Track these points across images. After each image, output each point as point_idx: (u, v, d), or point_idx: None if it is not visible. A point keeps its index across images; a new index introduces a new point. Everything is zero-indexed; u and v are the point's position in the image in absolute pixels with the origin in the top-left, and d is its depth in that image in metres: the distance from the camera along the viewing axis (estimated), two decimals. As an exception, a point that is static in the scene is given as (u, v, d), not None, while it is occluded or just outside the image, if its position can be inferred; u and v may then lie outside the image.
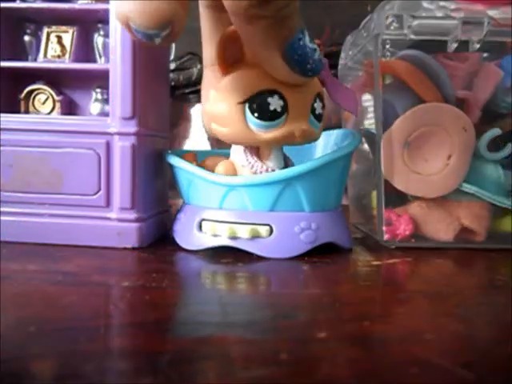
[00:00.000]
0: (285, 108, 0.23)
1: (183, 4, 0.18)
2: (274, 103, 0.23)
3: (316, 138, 0.26)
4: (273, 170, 0.26)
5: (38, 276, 0.21)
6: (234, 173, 0.27)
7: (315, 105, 0.25)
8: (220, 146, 0.30)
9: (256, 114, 0.23)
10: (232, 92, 0.24)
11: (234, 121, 0.24)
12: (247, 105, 0.23)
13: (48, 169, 0.27)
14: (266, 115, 0.23)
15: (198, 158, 0.30)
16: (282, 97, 0.23)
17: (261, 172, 0.26)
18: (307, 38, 0.21)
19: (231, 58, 0.23)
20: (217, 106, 0.24)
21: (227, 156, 0.28)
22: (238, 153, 0.27)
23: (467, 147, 0.29)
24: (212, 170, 0.27)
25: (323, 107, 0.26)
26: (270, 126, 0.24)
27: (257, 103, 0.23)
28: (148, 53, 0.28)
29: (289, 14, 0.19)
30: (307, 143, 0.26)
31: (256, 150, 0.26)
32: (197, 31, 0.25)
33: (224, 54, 0.23)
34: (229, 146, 0.28)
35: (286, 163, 0.27)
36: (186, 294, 0.21)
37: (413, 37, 0.29)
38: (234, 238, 0.26)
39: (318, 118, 0.25)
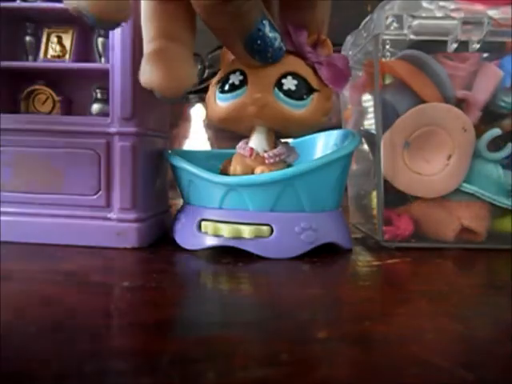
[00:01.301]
0: (243, 81, 0.25)
1: (195, 67, 0.22)
2: (233, 77, 0.25)
3: (296, 117, 0.25)
4: (257, 153, 0.26)
5: (38, 276, 0.21)
6: (249, 170, 0.27)
7: (283, 80, 0.25)
8: (220, 146, 0.30)
9: (219, 89, 0.26)
10: (217, 77, 0.27)
11: (209, 99, 0.27)
12: (217, 85, 0.26)
13: (48, 169, 0.27)
14: (226, 87, 0.25)
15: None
16: (242, 72, 0.25)
17: (242, 154, 0.27)
18: (267, 28, 0.22)
19: (229, 58, 0.26)
20: (208, 94, 0.27)
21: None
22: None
23: (467, 147, 0.29)
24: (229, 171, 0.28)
25: (301, 86, 0.25)
26: (229, 98, 0.25)
27: (222, 81, 0.26)
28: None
29: (249, 8, 0.21)
30: (283, 122, 0.25)
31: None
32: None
33: (224, 56, 0.27)
34: (229, 147, 0.28)
35: (289, 153, 0.27)
36: (186, 294, 0.20)
37: (413, 37, 0.29)
38: (234, 238, 0.26)
39: (289, 93, 0.25)
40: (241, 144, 0.27)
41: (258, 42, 0.22)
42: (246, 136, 0.27)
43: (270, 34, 0.22)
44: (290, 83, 0.25)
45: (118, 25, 0.20)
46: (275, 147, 0.27)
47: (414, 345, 0.15)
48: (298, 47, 0.25)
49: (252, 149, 0.26)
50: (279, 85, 0.25)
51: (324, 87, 0.25)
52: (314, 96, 0.25)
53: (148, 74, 0.21)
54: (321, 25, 0.25)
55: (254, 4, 0.21)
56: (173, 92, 0.21)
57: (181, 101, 0.22)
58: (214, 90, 0.26)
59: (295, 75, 0.25)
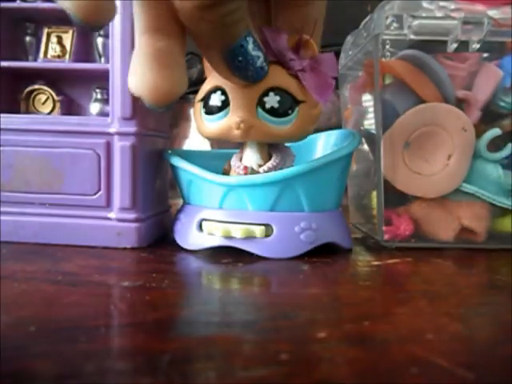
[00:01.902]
0: (225, 103, 0.24)
1: (185, 73, 0.20)
2: (215, 98, 0.25)
3: (282, 134, 0.25)
4: (252, 169, 0.26)
5: (38, 276, 0.21)
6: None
7: (265, 99, 0.24)
8: (220, 146, 0.30)
9: (204, 110, 0.25)
10: (199, 92, 0.26)
11: (197, 117, 0.26)
12: (202, 102, 0.26)
13: (48, 169, 0.27)
14: (209, 109, 0.25)
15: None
16: (223, 92, 0.24)
17: (238, 173, 0.26)
18: (251, 46, 0.21)
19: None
20: (194, 109, 0.27)
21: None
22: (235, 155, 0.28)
23: (467, 147, 0.29)
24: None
25: (284, 101, 0.24)
26: (213, 119, 0.25)
27: (205, 100, 0.25)
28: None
29: (233, 21, 0.19)
30: (270, 140, 0.26)
31: (242, 151, 0.27)
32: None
33: (206, 64, 0.25)
34: (229, 147, 0.28)
35: (277, 162, 0.26)
36: (185, 294, 0.21)
37: (413, 37, 0.29)
38: (233, 238, 0.26)
39: (273, 112, 0.24)
40: (234, 162, 0.27)
41: (239, 58, 0.21)
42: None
43: (253, 52, 0.21)
44: (272, 101, 0.24)
45: (103, 25, 0.19)
46: (269, 157, 0.26)
47: (414, 345, 0.15)
48: (278, 55, 0.24)
49: (246, 167, 0.26)
50: (261, 103, 0.24)
51: (309, 95, 0.24)
52: (300, 108, 0.24)
53: (133, 79, 0.20)
54: (312, 25, 0.24)
55: (240, 17, 0.20)
56: (162, 102, 0.20)
57: (169, 109, 0.21)
58: (199, 107, 0.26)
59: (277, 90, 0.24)
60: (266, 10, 0.25)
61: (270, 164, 0.26)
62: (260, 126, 0.24)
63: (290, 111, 0.24)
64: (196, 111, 0.26)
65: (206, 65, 0.26)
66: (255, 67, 0.22)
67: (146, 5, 0.21)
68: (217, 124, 0.25)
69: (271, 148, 0.27)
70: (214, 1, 0.18)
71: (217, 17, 0.19)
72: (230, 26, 0.20)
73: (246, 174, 0.26)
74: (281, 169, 0.26)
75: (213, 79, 0.25)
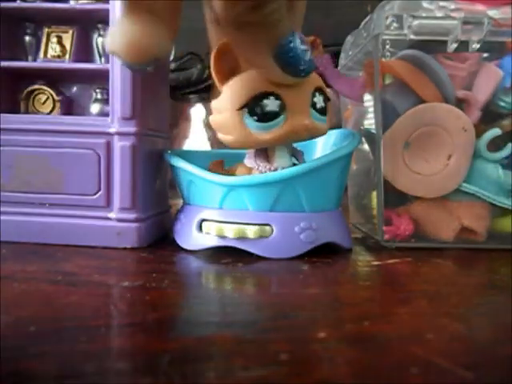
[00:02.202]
0: (282, 107, 0.24)
1: (170, 34, 0.20)
2: (271, 104, 0.24)
3: (323, 132, 0.26)
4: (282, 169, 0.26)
5: (38, 276, 0.21)
6: None
7: (315, 99, 0.25)
8: (220, 147, 0.30)
9: (255, 118, 0.24)
10: (230, 100, 0.24)
11: (236, 128, 0.24)
12: (246, 110, 0.24)
13: (48, 169, 0.27)
14: (265, 117, 0.24)
15: (224, 165, 0.30)
16: (278, 97, 0.24)
17: (263, 170, 0.26)
18: (298, 40, 0.21)
19: (227, 70, 0.24)
20: (219, 117, 0.25)
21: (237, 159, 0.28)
22: (249, 157, 0.27)
23: (467, 147, 0.29)
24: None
25: (326, 100, 0.25)
26: (269, 126, 0.24)
27: (254, 107, 0.24)
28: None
29: (277, 19, 0.20)
30: (315, 137, 0.26)
31: (264, 152, 0.26)
32: (197, 31, 0.25)
33: (219, 66, 0.24)
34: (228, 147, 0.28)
35: (298, 160, 0.27)
36: (186, 294, 0.21)
37: (413, 37, 0.29)
38: (233, 238, 0.26)
39: (321, 111, 0.25)
40: (259, 162, 0.26)
41: (290, 54, 0.21)
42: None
43: (302, 46, 0.21)
44: (320, 100, 0.25)
45: (157, 62, 0.19)
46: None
47: (414, 345, 0.15)
48: None
49: (276, 169, 0.26)
50: (313, 104, 0.24)
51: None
52: (328, 104, 0.26)
53: (115, 42, 0.20)
54: (301, 21, 0.24)
55: (282, 16, 0.20)
56: (139, 58, 0.19)
57: (145, 69, 0.21)
58: (239, 117, 0.24)
59: (320, 90, 0.25)
60: None
61: (299, 162, 0.27)
62: (318, 127, 0.25)
63: (327, 110, 0.26)
64: (235, 121, 0.24)
65: (219, 69, 0.24)
66: (305, 60, 0.22)
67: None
68: (276, 130, 0.24)
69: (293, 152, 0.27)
70: (256, 2, 0.18)
71: (262, 17, 0.19)
72: (276, 24, 0.20)
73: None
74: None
75: (250, 85, 0.24)
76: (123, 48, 0.19)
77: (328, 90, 0.26)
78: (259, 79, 0.23)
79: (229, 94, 0.24)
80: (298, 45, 0.21)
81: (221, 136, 0.26)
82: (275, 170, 0.26)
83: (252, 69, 0.23)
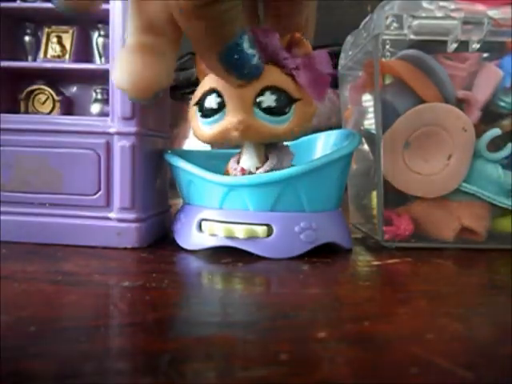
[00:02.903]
0: (222, 104, 0.24)
1: (175, 46, 0.21)
2: (211, 101, 0.24)
3: (279, 133, 0.25)
4: (250, 172, 0.26)
5: (38, 276, 0.21)
6: None
7: (261, 98, 0.24)
8: (220, 147, 0.30)
9: (200, 113, 0.25)
10: (194, 96, 0.26)
11: (193, 121, 0.26)
12: (197, 106, 0.25)
13: (48, 169, 0.27)
14: (205, 112, 0.25)
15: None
16: (219, 94, 0.24)
17: (235, 175, 0.26)
18: (246, 44, 0.21)
19: (204, 69, 0.25)
20: (190, 113, 0.27)
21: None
22: (231, 159, 0.28)
23: (467, 147, 0.29)
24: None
25: (281, 100, 0.24)
26: (211, 122, 0.25)
27: (201, 103, 0.25)
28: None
29: (229, 19, 0.20)
30: (272, 140, 0.26)
31: (239, 154, 0.27)
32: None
33: (199, 67, 0.26)
34: (230, 146, 0.28)
35: (281, 161, 0.26)
36: (186, 294, 0.21)
37: (413, 37, 0.29)
38: (233, 238, 0.26)
39: (270, 111, 0.24)
40: (231, 164, 0.27)
41: (235, 56, 0.21)
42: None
43: (249, 51, 0.21)
44: (268, 100, 0.24)
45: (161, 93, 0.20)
46: (266, 159, 0.26)
47: (414, 345, 0.15)
48: (271, 54, 0.24)
49: (243, 169, 0.26)
50: (258, 103, 0.24)
51: (305, 93, 0.24)
52: (296, 106, 0.24)
53: (117, 73, 0.20)
54: (303, 22, 0.24)
55: (235, 16, 0.20)
56: (145, 93, 0.20)
57: (153, 101, 0.21)
58: (194, 111, 0.26)
59: (273, 89, 0.24)
60: (252, 10, 0.25)
61: (266, 167, 0.26)
62: (258, 126, 0.24)
63: (286, 110, 0.24)
64: (192, 116, 0.26)
65: (199, 68, 0.26)
66: (251, 65, 0.22)
67: (139, 6, 0.21)
68: (214, 127, 0.25)
69: (268, 149, 0.27)
70: None
71: (214, 15, 0.19)
72: (226, 25, 0.20)
73: (243, 175, 0.26)
74: (278, 170, 0.26)
75: (206, 82, 0.25)
76: (130, 86, 0.20)
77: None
78: (211, 78, 0.24)
79: (196, 91, 0.26)
80: (246, 48, 0.21)
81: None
82: (243, 172, 0.26)
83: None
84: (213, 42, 0.20)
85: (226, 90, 0.24)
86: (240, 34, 0.20)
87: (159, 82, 0.20)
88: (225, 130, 0.24)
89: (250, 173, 0.26)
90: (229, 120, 0.24)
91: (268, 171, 0.26)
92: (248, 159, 0.26)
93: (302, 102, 0.25)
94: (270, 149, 0.27)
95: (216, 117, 0.24)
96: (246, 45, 0.21)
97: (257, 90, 0.24)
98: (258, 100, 0.24)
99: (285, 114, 0.24)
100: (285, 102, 0.24)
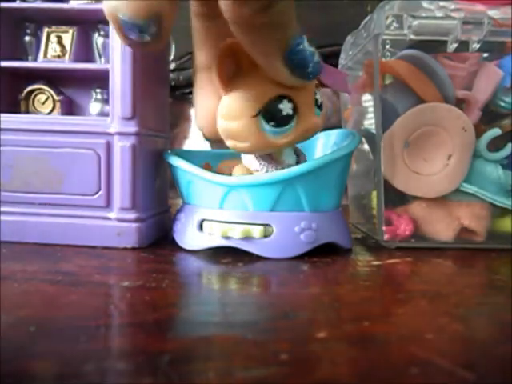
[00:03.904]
0: (295, 109, 0.24)
1: (171, 3, 0.19)
2: (286, 107, 0.23)
3: (322, 125, 0.26)
4: (289, 165, 0.26)
5: (38, 276, 0.21)
6: None
7: (317, 96, 0.25)
8: (220, 146, 0.30)
9: (272, 123, 0.23)
10: (243, 107, 0.23)
11: (252, 134, 0.24)
12: (261, 116, 0.23)
13: (48, 169, 0.27)
14: (282, 121, 0.24)
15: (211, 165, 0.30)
16: (290, 100, 0.23)
17: (270, 170, 0.26)
18: (306, 43, 0.21)
19: (231, 73, 0.23)
20: (232, 124, 0.24)
21: (236, 158, 0.28)
22: (249, 159, 0.27)
23: (467, 147, 0.29)
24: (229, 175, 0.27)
25: (320, 95, 0.26)
26: (285, 130, 0.24)
27: (270, 112, 0.23)
28: (148, 53, 0.28)
29: (287, 20, 0.19)
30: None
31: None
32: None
33: (222, 71, 0.23)
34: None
35: (298, 157, 0.27)
36: (186, 294, 0.21)
37: (413, 37, 0.29)
38: (233, 238, 0.26)
39: (321, 107, 0.26)
40: (257, 163, 0.26)
41: (299, 56, 0.21)
42: None
43: (310, 49, 0.21)
44: (319, 97, 0.25)
45: (158, 21, 0.18)
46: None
47: (414, 345, 0.15)
48: None
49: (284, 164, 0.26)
50: (315, 101, 0.25)
51: None
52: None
53: None
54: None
55: (291, 17, 0.20)
56: (144, 11, 0.18)
57: (147, 38, 0.19)
58: (256, 123, 0.23)
59: (317, 88, 0.25)
60: None
61: (302, 159, 0.27)
62: (320, 123, 0.25)
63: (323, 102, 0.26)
64: (251, 128, 0.23)
65: (217, 87, 0.24)
66: (314, 63, 0.22)
67: None
68: (293, 132, 0.24)
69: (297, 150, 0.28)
70: (265, 2, 0.18)
71: (270, 18, 0.19)
72: (286, 25, 0.20)
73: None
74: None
75: (262, 89, 0.23)
76: (122, 1, 0.18)
77: (328, 90, 0.26)
78: (268, 83, 0.23)
79: (240, 101, 0.23)
80: (307, 47, 0.21)
81: (233, 143, 0.25)
82: (282, 168, 0.26)
83: (257, 71, 0.23)
84: (275, 46, 0.20)
85: (294, 94, 0.23)
86: (299, 34, 0.21)
87: (160, 2, 0.18)
88: (305, 132, 0.24)
89: (289, 166, 0.26)
90: (309, 124, 0.24)
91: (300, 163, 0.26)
92: (289, 157, 0.27)
93: None
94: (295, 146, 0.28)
95: (291, 123, 0.24)
96: (306, 43, 0.21)
97: (313, 89, 0.25)
98: (316, 98, 0.25)
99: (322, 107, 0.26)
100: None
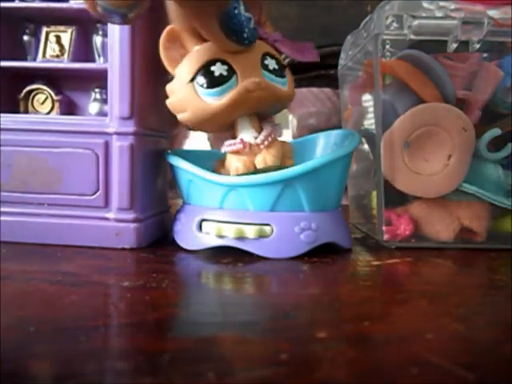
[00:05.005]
0: (231, 70, 0.24)
1: None
2: (218, 69, 0.24)
3: (286, 94, 0.26)
4: (250, 143, 0.26)
5: (38, 276, 0.21)
6: (250, 164, 0.26)
7: (266, 62, 0.25)
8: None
9: (205, 85, 0.25)
10: (180, 77, 0.25)
11: (190, 100, 0.25)
12: (195, 81, 0.25)
13: (47, 169, 0.27)
14: (214, 82, 0.24)
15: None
16: (224, 62, 0.24)
17: (234, 144, 0.26)
18: (242, 7, 0.22)
19: (177, 56, 0.25)
20: (172, 97, 0.26)
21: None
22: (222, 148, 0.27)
23: (467, 147, 0.29)
24: (228, 171, 0.27)
25: (280, 64, 0.26)
26: (222, 91, 0.25)
27: (202, 76, 0.25)
28: (147, 52, 0.28)
29: None
30: (281, 102, 0.27)
31: (231, 133, 0.27)
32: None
33: (168, 53, 0.25)
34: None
35: (274, 129, 0.27)
36: (186, 294, 0.20)
37: (413, 37, 0.29)
38: (233, 238, 0.26)
39: (276, 72, 0.26)
40: (228, 142, 0.27)
41: (234, 20, 0.22)
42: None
43: (246, 14, 0.22)
44: (271, 63, 0.25)
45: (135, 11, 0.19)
46: (261, 130, 0.27)
47: (414, 345, 0.15)
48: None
49: (243, 140, 0.26)
50: (265, 66, 0.25)
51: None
52: (287, 72, 0.26)
53: None
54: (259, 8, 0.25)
55: None
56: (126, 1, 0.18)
57: (130, 15, 0.19)
58: (192, 88, 0.25)
59: (270, 55, 0.26)
60: None
61: (264, 133, 0.26)
62: (272, 86, 0.25)
63: (284, 73, 0.26)
64: (188, 94, 0.25)
65: (168, 55, 0.26)
66: (250, 28, 0.23)
67: None
68: (227, 95, 0.24)
69: (260, 121, 0.27)
70: None
71: None
72: None
73: (244, 147, 0.26)
74: (276, 138, 0.27)
75: (199, 56, 0.25)
76: None
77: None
78: (203, 51, 0.24)
79: (179, 73, 0.25)
80: (242, 12, 0.22)
81: (179, 116, 0.26)
82: (244, 143, 0.26)
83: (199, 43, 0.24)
84: (212, 10, 0.21)
85: (230, 58, 0.24)
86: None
87: None
88: (242, 94, 0.24)
89: (250, 144, 0.26)
90: (248, 82, 0.24)
91: (266, 136, 0.26)
92: (245, 131, 0.27)
93: (287, 69, 0.27)
94: (263, 120, 0.27)
95: (228, 84, 0.24)
96: (242, 8, 0.22)
97: (259, 54, 0.25)
98: (265, 63, 0.25)
99: (284, 76, 0.26)
100: (281, 67, 0.26)
